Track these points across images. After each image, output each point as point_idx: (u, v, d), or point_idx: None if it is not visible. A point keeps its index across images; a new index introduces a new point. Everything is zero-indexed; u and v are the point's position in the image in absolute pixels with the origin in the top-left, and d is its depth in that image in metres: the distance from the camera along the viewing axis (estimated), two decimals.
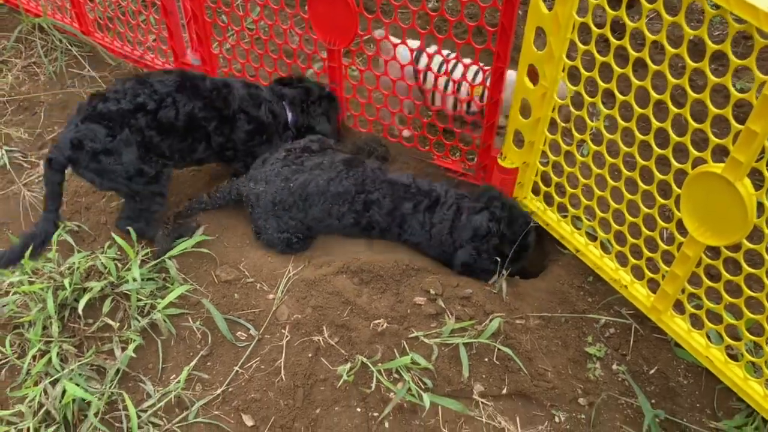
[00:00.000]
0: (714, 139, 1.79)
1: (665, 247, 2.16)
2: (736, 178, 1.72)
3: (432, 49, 2.60)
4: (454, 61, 2.69)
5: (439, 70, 2.71)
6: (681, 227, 2.02)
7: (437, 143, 2.90)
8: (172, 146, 2.55)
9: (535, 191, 2.67)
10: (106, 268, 2.43)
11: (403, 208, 2.53)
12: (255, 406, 2.19)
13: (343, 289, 2.45)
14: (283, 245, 2.60)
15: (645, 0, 1.81)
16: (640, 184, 2.13)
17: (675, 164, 1.96)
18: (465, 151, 2.84)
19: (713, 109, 1.74)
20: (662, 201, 2.08)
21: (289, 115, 2.88)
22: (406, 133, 3.06)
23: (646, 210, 2.17)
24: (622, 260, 2.40)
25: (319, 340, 2.32)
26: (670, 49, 1.79)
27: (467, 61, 2.73)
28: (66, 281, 2.33)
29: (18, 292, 2.31)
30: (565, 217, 2.58)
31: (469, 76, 2.68)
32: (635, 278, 2.36)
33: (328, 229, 2.64)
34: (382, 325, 2.33)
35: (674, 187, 1.99)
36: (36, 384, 2.19)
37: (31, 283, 2.34)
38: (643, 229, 2.21)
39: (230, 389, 2.25)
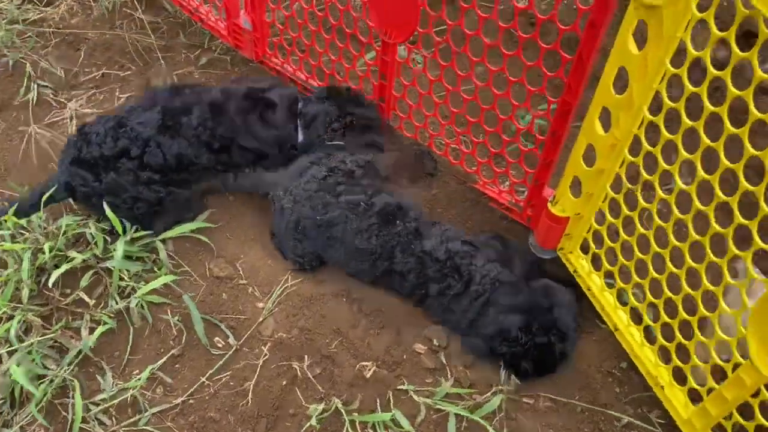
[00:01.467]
0: None
1: (718, 362, 1.76)
2: None
3: None
4: None
5: None
6: (743, 347, 1.62)
7: (486, 167, 2.55)
8: (168, 180, 2.37)
9: (584, 248, 2.29)
10: (94, 238, 2.25)
11: (428, 288, 2.16)
12: (211, 427, 1.98)
13: (338, 315, 2.18)
14: (293, 265, 2.35)
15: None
16: (705, 282, 1.73)
17: (752, 273, 1.56)
18: (515, 183, 2.48)
19: None
20: (727, 309, 1.68)
21: (300, 136, 2.57)
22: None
23: (705, 312, 1.77)
24: (665, 355, 2.01)
25: (298, 368, 2.07)
26: None
27: None
28: (47, 245, 2.16)
29: None
30: (611, 286, 2.20)
31: None
32: (675, 381, 1.97)
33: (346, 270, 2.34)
34: (370, 370, 2.05)
35: (744, 298, 1.59)
36: None
37: (14, 240, 2.19)
38: (697, 332, 1.82)
39: (191, 401, 2.04)
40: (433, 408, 1.99)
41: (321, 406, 1.98)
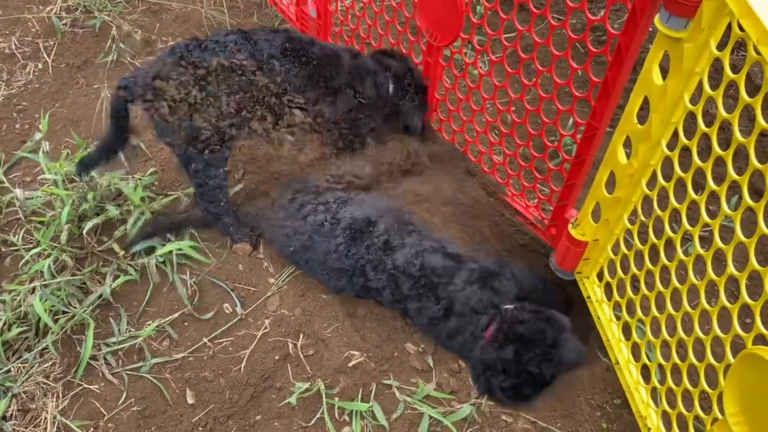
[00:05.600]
0: None
1: (700, 413, 1.69)
2: None
3: None
4: None
5: None
6: (721, 402, 1.55)
7: (515, 180, 2.53)
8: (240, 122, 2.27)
9: (601, 276, 2.23)
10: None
11: (407, 305, 2.13)
12: (203, 386, 2.10)
13: (340, 304, 2.25)
14: None
15: None
16: (696, 329, 1.66)
17: (737, 331, 1.48)
18: (541, 200, 2.44)
19: None
20: (712, 361, 1.61)
21: (390, 87, 2.61)
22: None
23: (693, 360, 1.70)
24: (657, 398, 1.94)
25: (292, 345, 2.16)
26: None
27: None
28: (90, 195, 2.35)
29: (45, 191, 2.38)
30: (618, 318, 2.14)
31: None
32: (664, 428, 1.90)
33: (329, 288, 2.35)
34: (358, 359, 2.10)
35: (728, 353, 1.52)
36: (31, 281, 2.26)
37: (65, 187, 2.40)
38: (685, 379, 1.75)
39: (190, 358, 2.17)
40: (411, 407, 2.02)
41: (305, 386, 2.06)
